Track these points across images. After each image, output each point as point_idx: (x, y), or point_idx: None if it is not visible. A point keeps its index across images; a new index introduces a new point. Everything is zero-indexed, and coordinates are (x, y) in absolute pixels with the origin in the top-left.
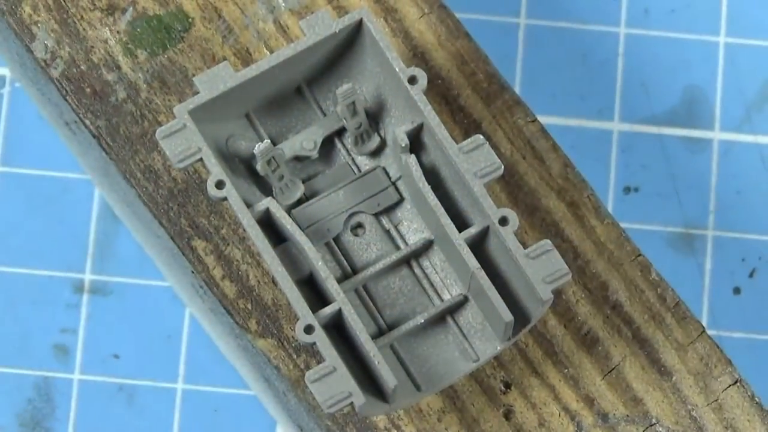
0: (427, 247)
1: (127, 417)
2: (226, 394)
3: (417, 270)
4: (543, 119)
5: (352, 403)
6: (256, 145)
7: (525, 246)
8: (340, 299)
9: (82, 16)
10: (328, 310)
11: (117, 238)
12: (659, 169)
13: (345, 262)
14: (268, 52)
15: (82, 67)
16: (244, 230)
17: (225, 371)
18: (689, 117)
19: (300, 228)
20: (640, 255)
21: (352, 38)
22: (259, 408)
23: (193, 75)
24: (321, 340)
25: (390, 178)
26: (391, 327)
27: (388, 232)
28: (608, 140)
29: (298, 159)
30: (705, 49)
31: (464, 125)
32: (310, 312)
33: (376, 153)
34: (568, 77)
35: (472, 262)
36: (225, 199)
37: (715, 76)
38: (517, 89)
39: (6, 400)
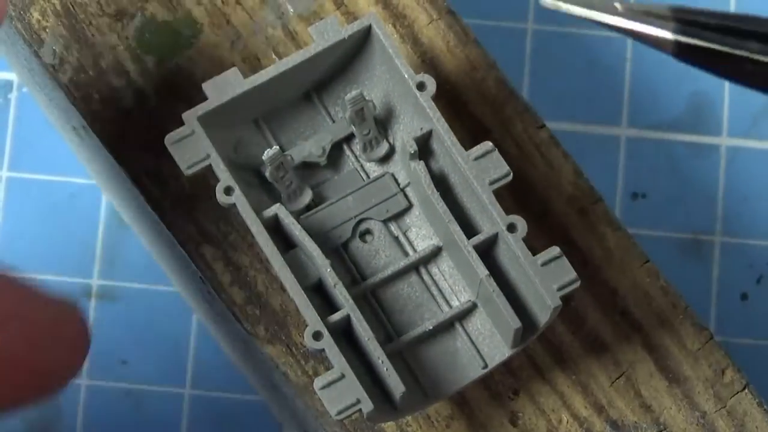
0: (435, 253)
1: (135, 422)
2: (234, 399)
3: (425, 277)
4: (550, 125)
5: (360, 410)
6: (265, 152)
7: (534, 253)
8: (349, 306)
9: (90, 22)
10: (336, 317)
11: (124, 243)
12: (667, 175)
13: (353, 268)
14: (276, 58)
15: (91, 73)
16: (253, 237)
17: (232, 377)
18: (696, 123)
19: (308, 234)
20: (648, 261)
21: (361, 44)
22: (266, 414)
23: (202, 81)
24: (329, 346)
25: (399, 185)
26: (399, 334)
27: (396, 238)
28: (615, 146)
29: (306, 165)
30: None
31: (473, 132)
32: (319, 319)
33: (384, 159)
34: (576, 83)
35: (481, 269)
36: (234, 205)
37: (722, 82)
38: (524, 94)
39: None
